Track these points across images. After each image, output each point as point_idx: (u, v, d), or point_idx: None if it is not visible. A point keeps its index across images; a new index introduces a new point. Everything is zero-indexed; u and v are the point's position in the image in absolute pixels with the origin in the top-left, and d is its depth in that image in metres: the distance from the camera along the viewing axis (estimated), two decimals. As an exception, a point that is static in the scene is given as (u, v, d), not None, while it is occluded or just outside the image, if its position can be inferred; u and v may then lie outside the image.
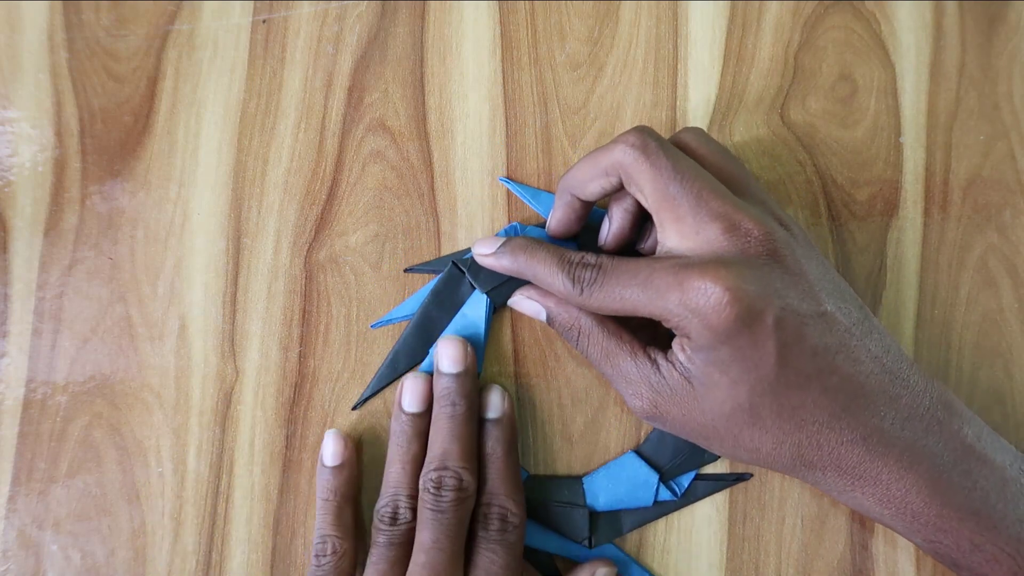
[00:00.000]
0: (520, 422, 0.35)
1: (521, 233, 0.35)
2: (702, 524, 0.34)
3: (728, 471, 0.34)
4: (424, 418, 0.33)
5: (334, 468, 0.33)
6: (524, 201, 0.36)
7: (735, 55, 0.37)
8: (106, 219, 0.36)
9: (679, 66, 0.36)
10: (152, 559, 0.34)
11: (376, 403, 0.35)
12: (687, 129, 0.33)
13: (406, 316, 0.35)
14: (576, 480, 0.34)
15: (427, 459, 0.31)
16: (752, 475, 0.34)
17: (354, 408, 0.35)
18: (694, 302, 0.28)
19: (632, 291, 0.29)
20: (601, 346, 0.31)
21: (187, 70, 0.37)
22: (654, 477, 0.33)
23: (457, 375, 0.33)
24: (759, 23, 0.37)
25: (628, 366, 0.31)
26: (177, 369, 0.35)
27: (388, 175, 0.36)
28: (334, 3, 0.37)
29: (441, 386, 0.33)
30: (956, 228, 0.36)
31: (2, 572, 0.34)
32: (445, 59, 0.37)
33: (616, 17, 0.37)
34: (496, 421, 0.33)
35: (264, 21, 0.37)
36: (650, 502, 0.33)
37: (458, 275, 0.34)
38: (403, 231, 0.36)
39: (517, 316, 0.35)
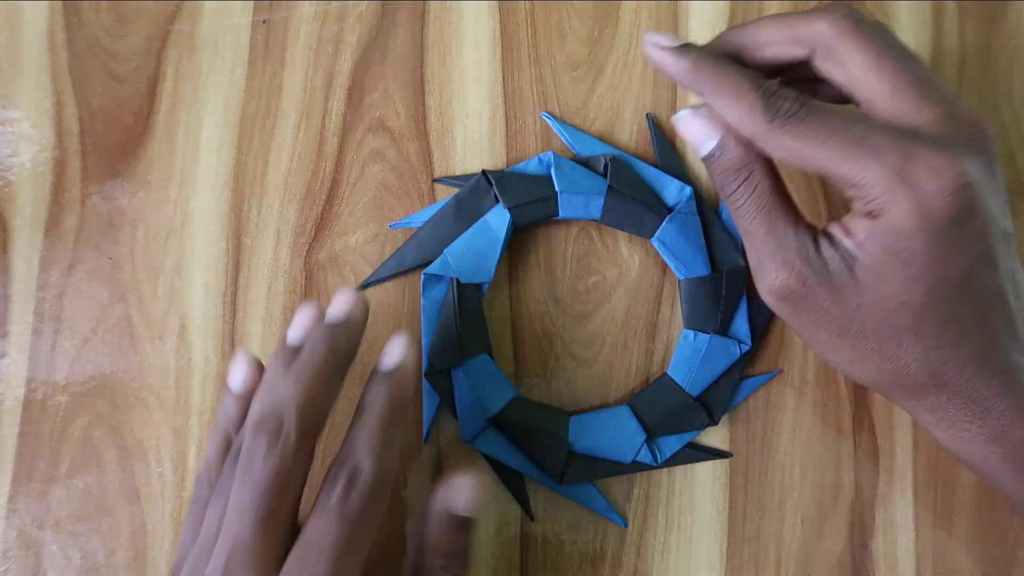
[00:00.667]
0: (520, 422, 0.35)
1: (556, 162, 0.34)
2: (702, 524, 0.34)
3: (726, 447, 0.34)
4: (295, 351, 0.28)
5: (238, 397, 0.29)
6: (563, 140, 0.35)
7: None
8: (106, 219, 0.36)
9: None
10: (152, 559, 0.34)
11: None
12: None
13: (422, 223, 0.35)
14: (563, 414, 0.34)
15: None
16: (731, 455, 0.34)
17: (360, 286, 0.35)
18: (918, 177, 0.24)
19: (837, 140, 0.25)
20: (765, 201, 0.27)
21: (187, 70, 0.37)
22: (640, 437, 0.33)
23: (331, 324, 0.28)
24: (759, 23, 0.37)
25: (786, 231, 0.27)
26: (177, 369, 0.35)
27: (388, 175, 0.36)
28: (334, 3, 0.37)
29: (314, 331, 0.28)
30: (956, 228, 0.36)
31: (2, 572, 0.34)
32: (445, 59, 0.37)
33: (616, 17, 0.37)
34: (387, 374, 0.28)
35: (264, 21, 0.37)
36: (629, 459, 0.33)
37: (485, 187, 0.34)
38: (403, 231, 0.36)
39: (518, 316, 0.35)
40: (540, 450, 0.33)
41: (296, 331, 0.29)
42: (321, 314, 0.29)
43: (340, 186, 0.36)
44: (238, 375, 0.29)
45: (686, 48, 0.28)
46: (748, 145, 0.28)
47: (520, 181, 0.34)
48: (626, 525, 0.34)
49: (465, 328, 0.33)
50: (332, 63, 0.37)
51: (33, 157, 0.36)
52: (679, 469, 0.34)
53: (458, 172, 0.36)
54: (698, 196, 0.35)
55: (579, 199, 0.34)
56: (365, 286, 0.35)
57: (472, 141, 0.36)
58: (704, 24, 0.37)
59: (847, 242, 0.26)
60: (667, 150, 0.35)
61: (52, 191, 0.36)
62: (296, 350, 0.28)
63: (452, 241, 0.34)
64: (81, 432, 0.35)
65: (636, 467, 0.34)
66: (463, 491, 0.28)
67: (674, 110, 0.36)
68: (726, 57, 0.28)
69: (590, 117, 0.36)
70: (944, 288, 0.25)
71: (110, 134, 0.36)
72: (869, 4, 0.37)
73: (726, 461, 0.34)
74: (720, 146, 0.28)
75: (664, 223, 0.34)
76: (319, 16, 0.37)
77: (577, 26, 0.37)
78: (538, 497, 0.34)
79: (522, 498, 0.34)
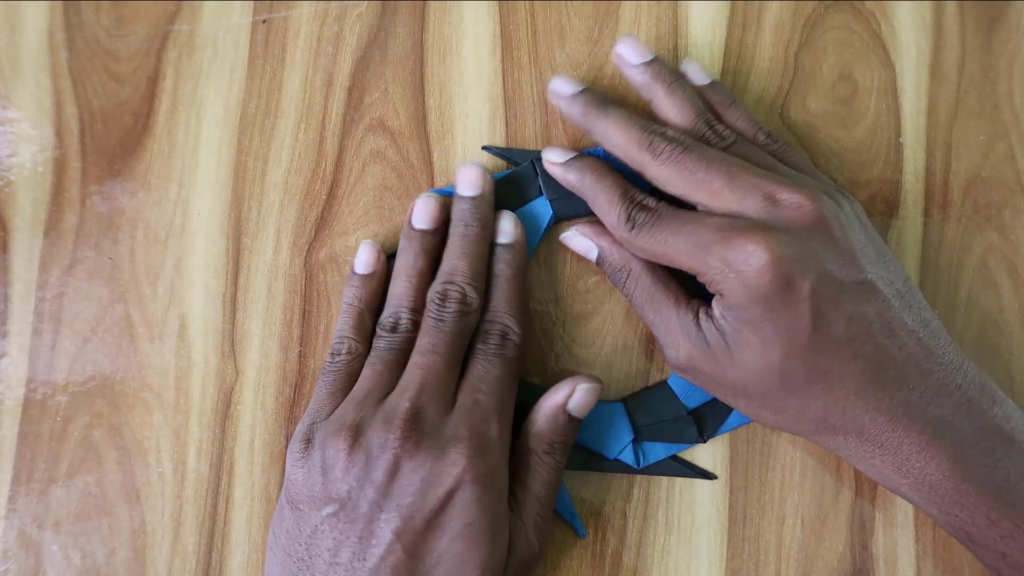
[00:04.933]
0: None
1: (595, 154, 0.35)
2: (702, 524, 0.34)
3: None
4: (432, 236, 0.33)
5: (363, 277, 0.33)
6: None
7: (735, 55, 0.37)
8: (106, 219, 0.36)
9: (679, 66, 0.36)
10: (152, 559, 0.34)
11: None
12: (731, 105, 0.34)
13: None
14: None
15: (437, 275, 0.32)
16: (716, 477, 0.34)
17: (390, 257, 0.35)
18: (735, 261, 0.28)
19: (678, 240, 0.30)
20: (648, 292, 0.32)
21: (187, 70, 0.37)
22: (628, 436, 0.33)
23: (473, 198, 0.33)
24: (759, 23, 0.37)
25: (671, 315, 0.31)
26: (177, 369, 0.35)
27: (388, 175, 0.36)
28: (334, 3, 0.37)
29: (458, 208, 0.33)
30: (956, 228, 0.36)
31: (2, 572, 0.34)
32: (445, 59, 0.37)
33: (616, 17, 0.37)
34: (507, 246, 0.33)
35: (264, 21, 0.37)
36: (612, 456, 0.33)
37: (531, 175, 0.35)
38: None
39: (517, 316, 0.35)
40: None
41: (424, 216, 0.34)
42: (443, 202, 0.34)
43: (340, 186, 0.36)
44: (363, 259, 0.34)
45: (573, 162, 0.33)
46: (619, 248, 0.33)
47: None
48: (584, 535, 0.34)
49: None
50: (332, 63, 0.37)
51: (33, 157, 0.36)
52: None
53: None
54: None
55: None
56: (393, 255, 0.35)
57: (472, 141, 0.36)
58: (704, 24, 0.37)
59: (717, 314, 0.30)
60: None
61: (52, 191, 0.36)
62: (428, 232, 0.33)
63: None
64: (81, 432, 0.34)
65: (617, 466, 0.34)
66: (579, 393, 0.32)
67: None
68: (605, 170, 0.33)
69: (590, 117, 0.36)
70: (796, 346, 0.29)
71: (110, 134, 0.36)
72: (869, 4, 0.37)
73: (727, 460, 0.34)
74: (599, 255, 0.33)
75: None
76: (319, 16, 0.37)
77: (577, 26, 0.37)
78: (538, 497, 0.34)
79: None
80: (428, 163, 0.36)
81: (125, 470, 0.34)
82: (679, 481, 0.34)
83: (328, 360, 0.33)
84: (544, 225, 0.35)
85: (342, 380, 0.32)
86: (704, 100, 0.34)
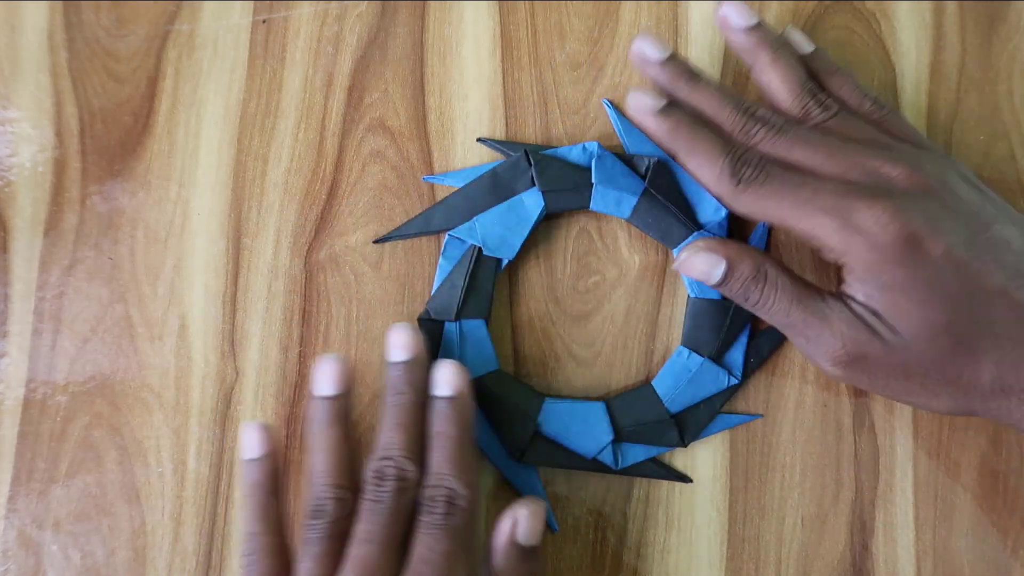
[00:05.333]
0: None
1: (599, 154, 0.34)
2: (702, 524, 0.34)
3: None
4: (339, 401, 0.31)
5: (254, 462, 0.31)
6: (616, 132, 0.35)
7: (735, 55, 0.37)
8: (106, 219, 0.36)
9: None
10: (152, 559, 0.34)
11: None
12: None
13: (455, 183, 0.35)
14: (538, 396, 0.34)
15: (373, 449, 0.30)
16: (692, 480, 0.34)
17: (375, 242, 0.35)
18: (862, 223, 0.27)
19: (795, 201, 0.28)
20: (790, 292, 0.30)
21: (187, 70, 0.37)
22: (607, 437, 0.33)
23: (405, 363, 0.31)
24: (759, 23, 0.37)
25: (822, 309, 0.29)
26: (177, 369, 0.35)
27: (388, 175, 0.36)
28: (334, 3, 0.37)
29: (389, 375, 0.31)
30: (956, 228, 0.36)
31: (2, 572, 0.34)
32: (445, 59, 0.37)
33: (616, 17, 0.37)
34: (449, 400, 0.30)
35: (264, 21, 0.37)
36: (590, 456, 0.33)
37: (524, 166, 0.34)
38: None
39: (517, 316, 0.35)
40: (508, 422, 0.33)
41: (324, 382, 0.31)
42: (343, 362, 0.31)
43: (340, 186, 0.36)
44: (247, 443, 0.31)
45: (669, 110, 0.31)
46: (750, 253, 0.30)
47: (559, 167, 0.34)
48: (557, 529, 0.34)
49: (471, 290, 0.34)
50: (332, 63, 0.37)
51: (33, 157, 0.36)
52: (678, 467, 0.34)
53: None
54: (730, 221, 0.34)
55: (612, 195, 0.34)
56: (386, 239, 0.35)
57: (472, 141, 0.36)
58: (704, 24, 0.37)
59: (860, 296, 0.28)
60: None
61: (52, 191, 0.36)
62: (332, 399, 0.31)
63: (482, 212, 0.34)
64: (81, 432, 0.35)
65: (595, 466, 0.34)
66: (524, 521, 0.29)
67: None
68: (701, 121, 0.31)
69: (590, 117, 0.36)
70: (956, 299, 0.28)
71: (110, 134, 0.36)
72: (869, 4, 0.37)
73: (727, 460, 0.34)
74: (728, 267, 0.30)
75: (690, 238, 0.34)
76: (319, 16, 0.37)
77: (577, 26, 0.37)
78: (538, 497, 0.34)
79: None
80: (428, 163, 0.36)
81: (125, 470, 0.34)
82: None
83: (241, 564, 0.30)
84: (534, 218, 0.34)
85: None
86: (808, 68, 0.33)
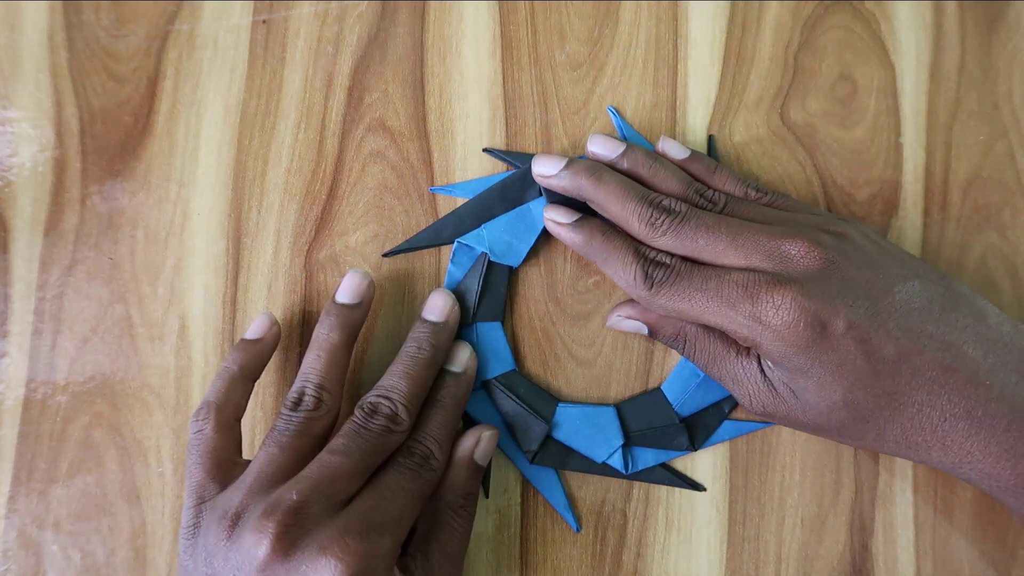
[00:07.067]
0: (520, 422, 0.35)
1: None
2: (702, 524, 0.34)
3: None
4: (352, 311, 0.32)
5: (248, 342, 0.33)
6: (619, 135, 0.36)
7: (735, 55, 0.37)
8: (106, 219, 0.36)
9: (679, 66, 0.36)
10: (152, 559, 0.34)
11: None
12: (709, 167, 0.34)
13: (464, 194, 0.35)
14: (552, 400, 0.34)
15: (374, 386, 0.31)
16: (705, 489, 0.34)
17: (385, 255, 0.35)
18: (765, 316, 0.29)
19: (703, 298, 0.30)
20: (708, 351, 0.32)
21: (187, 70, 0.37)
22: (618, 441, 0.34)
23: (435, 323, 0.33)
24: (759, 23, 0.37)
25: (736, 369, 0.31)
26: (177, 369, 0.35)
27: (388, 175, 0.36)
28: (334, 3, 0.37)
29: (417, 329, 0.33)
30: (956, 228, 0.36)
31: (2, 572, 0.34)
32: (445, 59, 0.37)
33: (616, 17, 0.37)
34: (456, 375, 0.33)
35: (264, 21, 0.37)
36: (601, 460, 0.34)
37: (532, 177, 0.34)
38: (403, 231, 0.36)
39: (517, 316, 0.35)
40: (522, 424, 0.34)
41: (348, 291, 0.33)
42: (371, 280, 0.33)
43: (340, 186, 0.36)
44: (255, 326, 0.33)
45: (578, 224, 0.33)
46: (669, 319, 0.33)
47: None
48: (579, 529, 0.34)
49: (485, 293, 0.34)
50: (332, 63, 0.37)
51: (33, 157, 0.36)
52: (679, 469, 0.34)
53: (458, 172, 0.36)
54: None
55: None
56: (395, 252, 0.35)
57: (472, 141, 0.36)
58: (704, 24, 0.37)
59: (769, 367, 0.30)
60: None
61: (52, 191, 0.36)
62: (348, 307, 0.32)
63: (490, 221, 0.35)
64: (81, 432, 0.34)
65: (606, 470, 0.34)
66: (484, 442, 0.32)
67: (674, 109, 0.37)
68: (610, 227, 0.33)
69: (590, 117, 0.36)
70: (853, 380, 0.29)
71: (110, 134, 0.36)
72: (869, 4, 0.37)
73: (727, 460, 0.34)
74: (651, 330, 0.33)
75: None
76: (319, 16, 0.37)
77: (577, 26, 0.37)
78: (539, 498, 0.34)
79: (484, 476, 0.34)
80: (428, 163, 0.36)
81: (125, 470, 0.34)
82: (679, 481, 0.34)
83: (191, 431, 0.31)
84: (542, 225, 0.34)
85: (207, 456, 0.30)
86: (689, 172, 0.34)
